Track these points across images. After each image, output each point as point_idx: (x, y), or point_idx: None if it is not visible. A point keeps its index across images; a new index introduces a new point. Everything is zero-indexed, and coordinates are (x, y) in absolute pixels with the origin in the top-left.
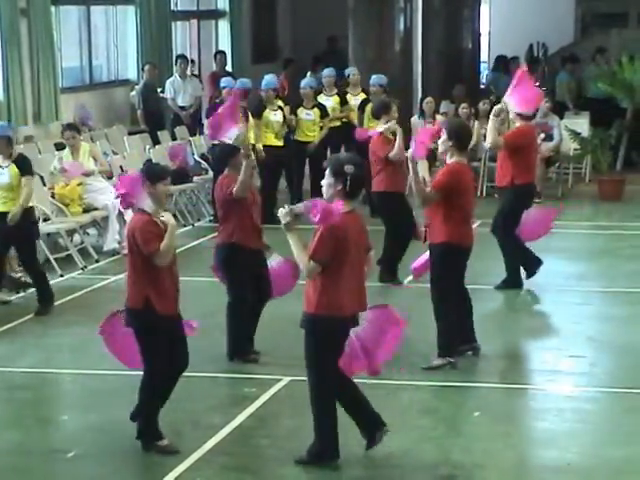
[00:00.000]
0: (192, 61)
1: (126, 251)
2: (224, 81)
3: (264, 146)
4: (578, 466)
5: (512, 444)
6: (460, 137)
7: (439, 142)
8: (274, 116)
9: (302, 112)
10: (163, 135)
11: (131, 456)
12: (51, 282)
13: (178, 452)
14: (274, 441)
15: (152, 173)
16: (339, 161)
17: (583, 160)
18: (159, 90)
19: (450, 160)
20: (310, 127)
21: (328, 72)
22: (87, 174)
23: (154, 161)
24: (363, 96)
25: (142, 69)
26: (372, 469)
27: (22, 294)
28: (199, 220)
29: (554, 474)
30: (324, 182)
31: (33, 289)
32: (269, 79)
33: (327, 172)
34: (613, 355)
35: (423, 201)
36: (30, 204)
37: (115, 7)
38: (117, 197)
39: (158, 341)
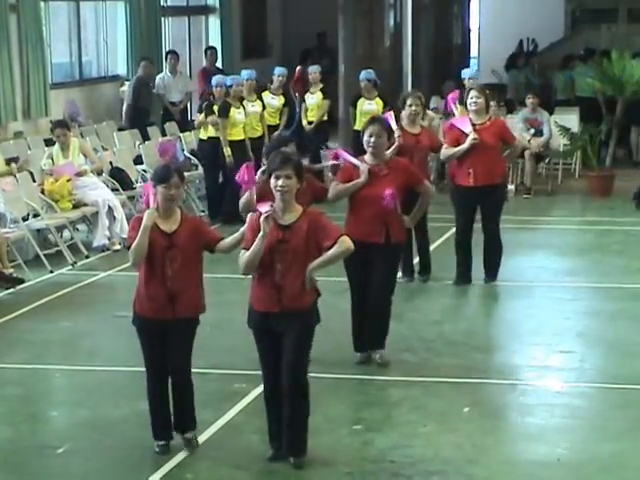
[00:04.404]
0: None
1: (116, 247)
2: (216, 79)
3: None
4: (568, 461)
5: (502, 439)
6: None
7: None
8: (252, 107)
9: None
10: (153, 131)
11: (121, 452)
12: (41, 278)
13: (165, 454)
14: (265, 437)
15: (154, 176)
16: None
17: (573, 156)
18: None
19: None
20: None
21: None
22: (80, 174)
23: (144, 157)
24: (319, 95)
25: (138, 64)
26: (362, 465)
27: (12, 290)
28: None
29: (544, 469)
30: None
31: (24, 285)
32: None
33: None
34: (603, 351)
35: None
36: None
37: (105, 3)
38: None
39: (142, 341)
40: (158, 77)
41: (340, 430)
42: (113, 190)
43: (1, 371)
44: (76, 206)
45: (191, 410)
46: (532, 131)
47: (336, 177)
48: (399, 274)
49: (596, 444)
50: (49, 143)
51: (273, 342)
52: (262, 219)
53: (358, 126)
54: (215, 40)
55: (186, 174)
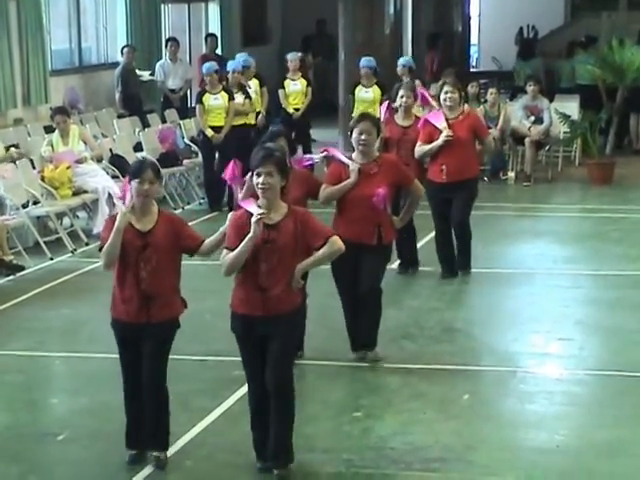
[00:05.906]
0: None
1: None
2: (206, 66)
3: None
4: (567, 448)
5: (501, 426)
6: None
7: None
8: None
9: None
10: (153, 118)
11: (121, 439)
12: (41, 265)
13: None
14: None
15: (130, 170)
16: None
17: (573, 143)
18: (149, 73)
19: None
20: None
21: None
22: (80, 161)
23: (144, 144)
24: (304, 82)
25: (121, 52)
26: (362, 452)
27: (12, 277)
28: (189, 203)
29: (543, 456)
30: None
31: (23, 272)
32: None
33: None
34: (602, 338)
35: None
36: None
37: None
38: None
39: (118, 348)
40: (158, 64)
41: (340, 417)
42: (113, 177)
43: (1, 358)
44: (76, 193)
45: (163, 428)
46: (532, 119)
47: (325, 180)
48: (395, 266)
49: (595, 431)
50: (49, 130)
51: (258, 346)
52: (253, 221)
53: (355, 113)
54: (215, 27)
55: (186, 162)
